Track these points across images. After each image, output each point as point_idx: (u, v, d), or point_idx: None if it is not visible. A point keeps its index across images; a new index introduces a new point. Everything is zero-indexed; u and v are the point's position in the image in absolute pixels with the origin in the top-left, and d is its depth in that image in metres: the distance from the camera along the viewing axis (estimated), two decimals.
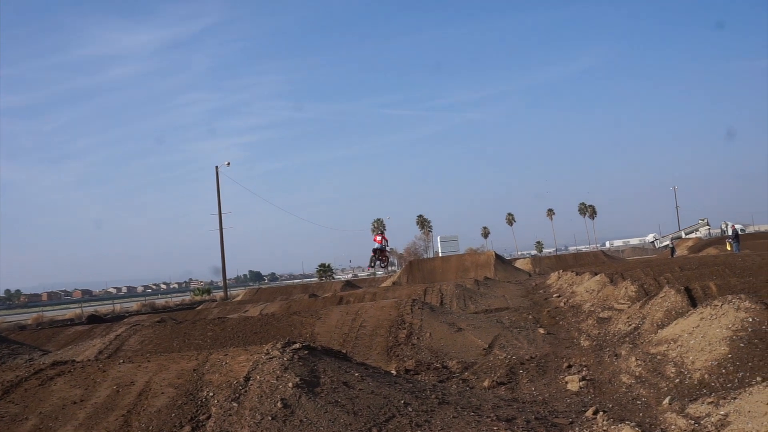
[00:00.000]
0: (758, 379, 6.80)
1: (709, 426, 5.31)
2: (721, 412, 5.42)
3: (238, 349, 7.60)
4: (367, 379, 6.62)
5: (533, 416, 6.65)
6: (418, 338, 13.46)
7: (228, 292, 60.63)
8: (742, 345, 8.01)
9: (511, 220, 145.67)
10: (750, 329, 8.27)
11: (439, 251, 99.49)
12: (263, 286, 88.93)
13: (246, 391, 5.83)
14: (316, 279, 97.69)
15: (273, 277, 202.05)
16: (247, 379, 6.05)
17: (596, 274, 22.94)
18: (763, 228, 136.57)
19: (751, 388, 5.67)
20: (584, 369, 9.86)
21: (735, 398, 5.60)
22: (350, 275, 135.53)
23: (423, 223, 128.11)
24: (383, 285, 49.91)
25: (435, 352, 12.63)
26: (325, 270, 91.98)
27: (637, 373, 8.60)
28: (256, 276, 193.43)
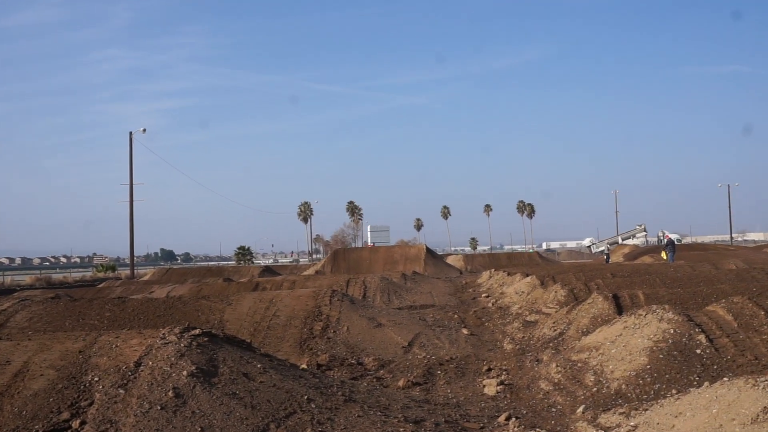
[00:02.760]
0: (673, 391, 7.12)
1: None
2: (631, 423, 5.65)
3: (131, 332, 7.45)
4: (270, 371, 6.60)
5: (443, 419, 6.77)
6: (334, 332, 13.49)
7: (135, 271, 59.22)
8: (661, 356, 8.37)
9: (446, 213, 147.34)
10: (671, 341, 8.65)
11: (369, 241, 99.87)
12: (175, 267, 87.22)
13: (135, 378, 5.72)
14: (233, 262, 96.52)
15: (187, 257, 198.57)
16: (137, 364, 5.94)
17: (528, 276, 23.51)
18: (700, 239, 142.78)
19: (662, 401, 5.94)
20: (504, 373, 10.11)
21: (646, 410, 5.85)
22: (271, 260, 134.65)
23: (353, 210, 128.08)
24: (305, 273, 49.78)
25: (351, 348, 12.69)
26: (244, 253, 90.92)
27: (555, 380, 8.88)
28: (168, 255, 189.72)
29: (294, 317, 14.14)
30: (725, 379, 5.48)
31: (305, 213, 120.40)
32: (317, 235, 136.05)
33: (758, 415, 4.51)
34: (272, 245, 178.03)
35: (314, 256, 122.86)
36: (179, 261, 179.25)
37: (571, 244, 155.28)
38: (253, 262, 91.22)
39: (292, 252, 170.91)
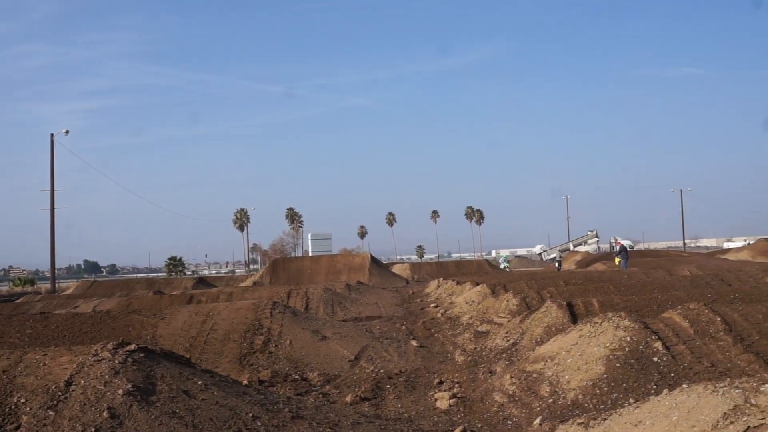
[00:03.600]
0: (631, 400, 7.32)
1: None
2: None
3: (61, 348, 7.30)
4: (212, 388, 6.55)
5: None
6: (276, 346, 13.45)
7: (56, 284, 57.70)
8: (618, 365, 8.60)
9: (391, 220, 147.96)
10: (627, 349, 8.90)
11: (310, 250, 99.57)
12: (100, 279, 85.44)
13: (66, 398, 5.61)
14: (164, 274, 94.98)
15: (113, 269, 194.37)
16: (68, 383, 5.82)
17: (478, 285, 23.79)
18: (653, 246, 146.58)
19: (621, 410, 6.11)
20: (456, 386, 10.22)
21: (605, 419, 6.01)
22: (205, 272, 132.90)
23: (293, 217, 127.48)
24: (242, 285, 49.28)
25: (294, 363, 12.67)
26: (175, 264, 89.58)
27: (510, 392, 9.03)
28: (93, 267, 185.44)
29: (233, 331, 14.04)
30: (684, 386, 5.67)
31: (241, 220, 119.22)
32: (254, 244, 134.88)
33: (718, 422, 4.69)
34: (206, 255, 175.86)
35: (251, 267, 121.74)
36: (104, 273, 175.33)
37: (521, 251, 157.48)
38: (185, 274, 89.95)
39: (228, 262, 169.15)
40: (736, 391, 4.91)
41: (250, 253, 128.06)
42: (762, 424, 4.46)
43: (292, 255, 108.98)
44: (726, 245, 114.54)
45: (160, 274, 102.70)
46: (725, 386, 5.07)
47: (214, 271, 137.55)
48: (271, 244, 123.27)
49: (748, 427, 4.49)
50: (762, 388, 4.83)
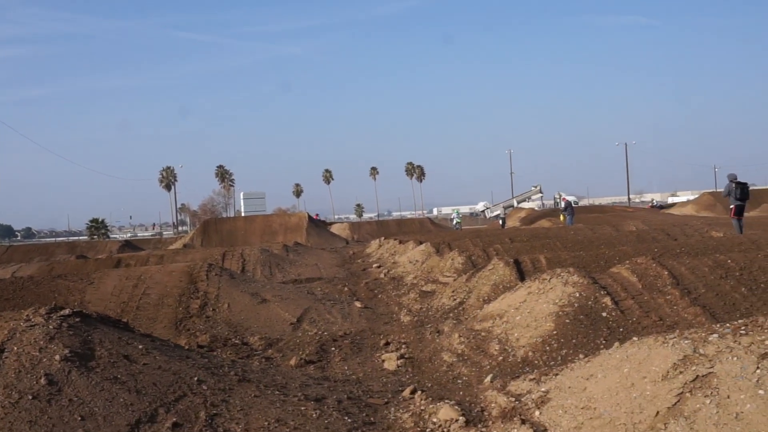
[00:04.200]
0: (581, 356, 7.64)
1: (529, 403, 5.94)
2: (542, 389, 6.08)
3: None
4: (154, 352, 6.61)
5: (345, 396, 7.01)
6: (213, 310, 13.49)
7: None
8: (567, 321, 8.94)
9: (328, 177, 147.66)
10: (576, 305, 9.25)
11: (242, 210, 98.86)
12: (15, 244, 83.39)
13: (0, 366, 5.61)
14: (86, 237, 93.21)
15: (28, 233, 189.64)
16: (0, 350, 5.81)
17: (421, 244, 24.15)
18: (597, 201, 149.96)
19: (572, 364, 6.41)
20: (403, 346, 10.47)
21: (557, 375, 6.29)
22: (130, 234, 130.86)
23: (223, 175, 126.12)
24: (172, 247, 48.91)
25: (234, 327, 12.74)
26: (97, 227, 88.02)
27: (459, 351, 9.30)
28: (6, 231, 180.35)
29: (167, 295, 14.01)
30: (635, 338, 5.97)
31: (168, 179, 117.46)
32: (183, 204, 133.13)
33: (668, 372, 4.98)
34: (130, 217, 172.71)
35: (180, 229, 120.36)
36: (19, 237, 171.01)
37: (464, 209, 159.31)
38: (108, 237, 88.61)
39: (154, 224, 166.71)
40: (685, 341, 5.21)
41: (178, 215, 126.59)
42: (710, 372, 4.76)
43: (224, 216, 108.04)
44: (671, 200, 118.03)
45: (81, 238, 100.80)
46: (675, 337, 5.37)
47: (139, 234, 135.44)
48: (201, 205, 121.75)
49: (697, 375, 4.78)
50: (710, 339, 5.13)
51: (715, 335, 5.19)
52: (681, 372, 4.92)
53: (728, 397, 4.51)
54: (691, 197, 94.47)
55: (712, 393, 4.61)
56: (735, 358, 4.78)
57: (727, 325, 5.44)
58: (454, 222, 54.21)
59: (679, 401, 4.72)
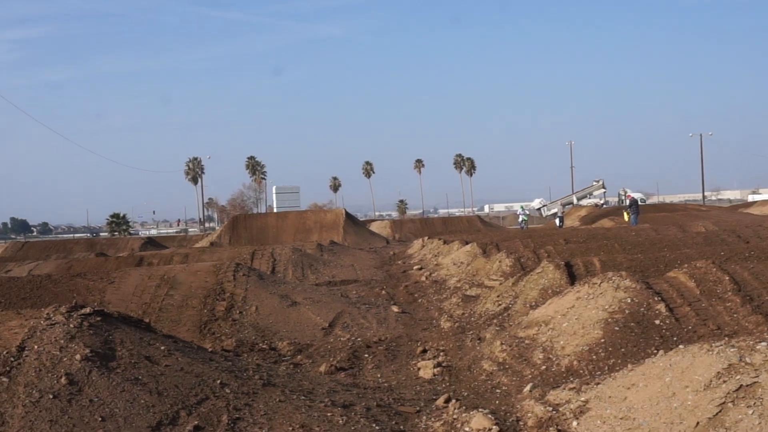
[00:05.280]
0: (629, 366, 7.87)
1: (567, 413, 6.21)
2: (582, 399, 6.34)
3: (8, 312, 7.70)
4: (176, 353, 7.00)
5: (375, 403, 7.33)
6: (240, 312, 13.89)
7: None
8: (617, 329, 9.15)
9: (369, 170, 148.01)
10: (627, 311, 9.45)
11: (274, 206, 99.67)
12: (32, 240, 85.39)
13: (20, 364, 6.03)
14: (106, 233, 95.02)
15: (45, 228, 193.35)
16: (21, 349, 6.23)
17: (467, 244, 24.36)
18: (668, 199, 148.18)
19: (615, 373, 6.66)
20: (441, 354, 10.77)
21: (598, 384, 6.55)
22: (153, 231, 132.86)
23: (255, 167, 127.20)
24: (197, 245, 49.69)
25: (261, 331, 13.13)
26: (118, 222, 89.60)
27: (500, 360, 9.57)
28: (21, 226, 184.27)
29: (191, 296, 14.46)
30: (681, 346, 6.20)
31: (194, 171, 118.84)
32: (210, 198, 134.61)
33: (711, 381, 5.21)
34: (154, 212, 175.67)
35: (207, 225, 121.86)
36: (35, 233, 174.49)
37: (517, 207, 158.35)
38: (130, 233, 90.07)
39: (179, 220, 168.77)
40: (732, 350, 5.43)
41: (205, 210, 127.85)
42: (755, 382, 4.98)
43: (254, 211, 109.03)
44: (751, 198, 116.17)
45: (101, 234, 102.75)
46: (721, 345, 5.60)
47: (163, 230, 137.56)
48: (230, 199, 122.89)
49: (741, 385, 5.01)
50: (758, 347, 5.35)
51: (764, 343, 5.41)
52: (724, 381, 5.15)
53: None
54: None
55: (755, 403, 4.83)
56: None
57: None
58: (520, 219, 53.52)
59: (720, 412, 4.96)
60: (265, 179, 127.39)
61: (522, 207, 58.81)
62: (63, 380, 5.86)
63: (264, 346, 12.07)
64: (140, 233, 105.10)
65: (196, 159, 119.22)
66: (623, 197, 77.44)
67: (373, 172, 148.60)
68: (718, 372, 5.26)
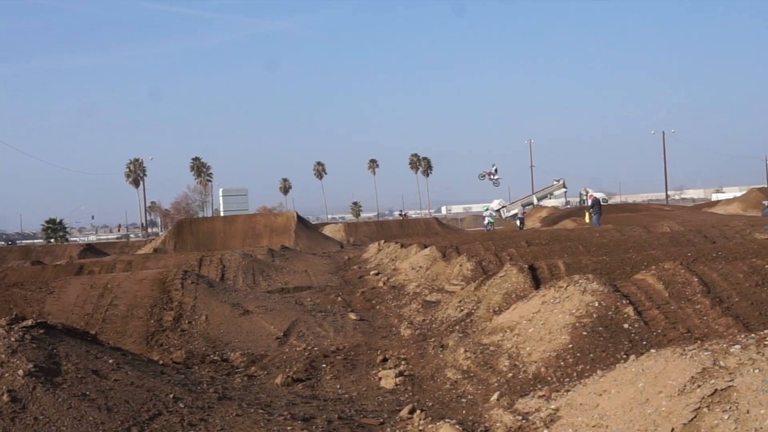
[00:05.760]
0: (599, 372, 7.96)
1: (537, 422, 6.27)
2: (552, 407, 6.40)
3: None
4: (125, 367, 6.93)
5: (336, 415, 7.33)
6: (189, 322, 13.79)
7: None
8: (585, 334, 9.26)
9: (320, 171, 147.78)
10: (595, 315, 9.57)
11: (221, 209, 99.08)
12: None
13: None
14: (41, 240, 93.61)
15: None
16: None
17: (426, 248, 24.48)
18: (631, 198, 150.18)
19: (586, 380, 6.74)
20: (403, 363, 10.80)
21: (568, 391, 6.62)
22: (92, 237, 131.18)
23: (200, 169, 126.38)
24: (140, 252, 49.19)
25: (212, 341, 13.05)
26: (54, 228, 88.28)
27: (465, 368, 9.63)
28: None
29: (137, 306, 14.32)
30: (653, 351, 6.30)
31: (136, 173, 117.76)
32: (153, 202, 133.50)
33: (685, 386, 5.30)
34: (93, 217, 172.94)
35: (150, 230, 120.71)
36: None
37: (476, 208, 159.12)
38: (68, 240, 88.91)
39: (120, 225, 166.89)
40: (705, 353, 5.53)
41: (147, 214, 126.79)
42: (730, 386, 5.08)
43: (200, 215, 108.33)
44: (715, 197, 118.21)
45: (36, 241, 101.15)
46: (694, 349, 5.70)
47: (103, 236, 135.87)
48: (174, 203, 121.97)
49: (716, 390, 5.11)
50: (732, 350, 5.46)
51: (738, 346, 5.51)
52: (699, 386, 5.24)
53: (748, 412, 4.83)
54: (739, 193, 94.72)
55: (731, 408, 4.93)
56: (757, 371, 5.10)
57: (752, 335, 5.77)
58: (486, 222, 52.90)
59: (695, 417, 5.04)
60: (211, 181, 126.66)
61: (487, 208, 58.74)
62: (5, 397, 5.77)
63: (215, 358, 12.01)
64: (78, 240, 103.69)
65: (137, 160, 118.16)
66: (585, 197, 78.31)
67: (325, 173, 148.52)
68: (693, 376, 5.35)
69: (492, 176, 60.13)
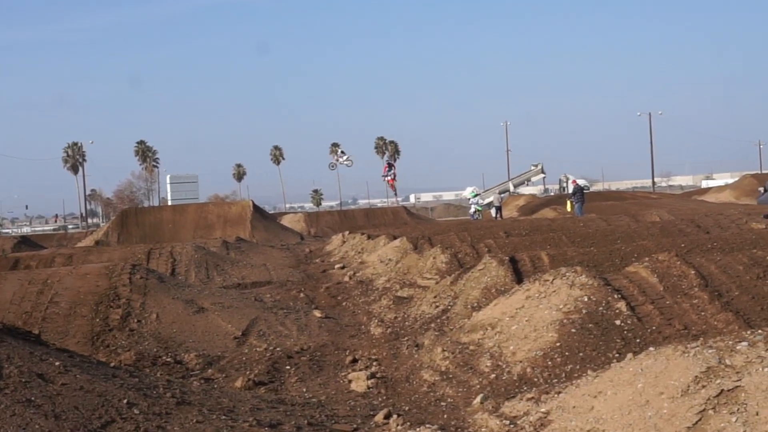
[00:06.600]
0: (589, 372, 7.99)
1: (527, 426, 6.28)
2: (542, 410, 6.42)
3: None
4: (74, 370, 6.84)
5: (306, 421, 7.30)
6: (139, 321, 13.68)
7: None
8: (573, 331, 9.30)
9: (278, 156, 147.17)
10: (584, 311, 9.61)
11: (169, 198, 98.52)
12: None
13: None
14: None
15: None
16: None
17: (395, 239, 24.47)
18: (615, 186, 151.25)
19: (578, 381, 6.75)
20: (374, 364, 10.79)
21: (559, 393, 6.64)
22: (26, 228, 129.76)
23: (145, 153, 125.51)
24: (81, 244, 48.80)
25: (164, 342, 12.96)
26: None
27: (443, 368, 9.64)
28: None
29: (80, 303, 14.17)
30: (651, 349, 6.32)
31: (74, 159, 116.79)
32: (93, 190, 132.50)
33: (689, 386, 5.33)
34: (26, 207, 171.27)
35: (90, 221, 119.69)
36: None
37: (448, 196, 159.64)
38: (0, 232, 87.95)
39: (57, 216, 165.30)
40: (710, 351, 5.56)
41: (87, 203, 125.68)
42: (738, 386, 5.11)
43: (146, 204, 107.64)
44: (705, 184, 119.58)
45: None
46: (697, 346, 5.73)
47: (39, 228, 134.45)
48: (117, 191, 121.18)
49: (722, 390, 5.13)
50: (738, 347, 5.49)
51: (744, 343, 5.55)
52: (704, 386, 5.27)
53: (757, 413, 4.86)
54: (730, 180, 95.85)
55: (739, 409, 4.96)
56: (766, 369, 5.13)
57: (759, 331, 5.81)
58: (472, 210, 51.63)
59: (700, 420, 5.07)
60: (157, 167, 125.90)
61: (475, 194, 58.03)
62: None
63: (168, 360, 11.92)
64: (11, 232, 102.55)
65: (76, 144, 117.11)
66: (565, 184, 78.86)
67: (283, 159, 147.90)
68: (696, 376, 5.38)
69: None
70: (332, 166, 61.53)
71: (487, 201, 60.49)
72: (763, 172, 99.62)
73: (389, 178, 55.12)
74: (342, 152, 60.90)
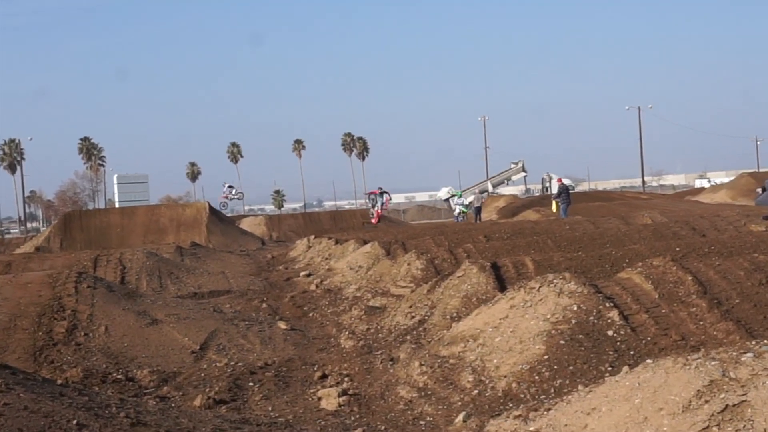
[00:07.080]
0: (580, 387, 8.02)
1: None
2: (531, 428, 6.43)
3: None
4: (17, 388, 6.77)
5: None
6: (86, 335, 13.59)
7: None
8: (562, 342, 9.33)
9: (235, 154, 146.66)
10: (574, 321, 9.64)
11: (116, 199, 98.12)
12: None
13: None
14: None
15: None
16: None
17: (366, 244, 24.48)
18: (602, 185, 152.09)
19: (569, 396, 6.77)
20: (346, 380, 10.78)
21: (549, 410, 6.65)
22: None
23: (90, 151, 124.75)
24: (20, 251, 48.36)
25: (114, 357, 12.88)
26: None
27: (421, 384, 9.63)
28: None
29: (21, 315, 14.05)
30: (649, 361, 6.35)
31: (12, 157, 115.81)
32: (33, 191, 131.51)
33: (691, 401, 5.36)
34: None
35: (30, 225, 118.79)
36: None
37: (421, 197, 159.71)
38: None
39: None
40: (712, 363, 5.60)
41: (26, 206, 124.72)
42: (743, 401, 5.14)
43: (91, 207, 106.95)
44: (698, 183, 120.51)
45: None
46: (699, 358, 5.76)
47: None
48: (59, 192, 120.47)
49: (726, 405, 5.16)
50: (743, 359, 5.53)
51: (750, 355, 5.59)
52: (707, 401, 5.30)
53: (765, 430, 4.90)
54: (726, 179, 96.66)
55: (745, 426, 4.99)
56: None
57: (765, 342, 5.85)
58: (456, 212, 50.57)
59: None
60: (103, 166, 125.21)
61: (460, 194, 57.36)
62: None
63: (119, 377, 11.85)
64: None
65: (13, 141, 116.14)
66: (548, 183, 79.16)
67: (242, 156, 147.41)
68: (699, 390, 5.41)
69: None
70: (223, 205, 61.60)
71: (468, 200, 60.65)
72: (761, 170, 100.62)
73: (378, 209, 52.45)
74: (230, 186, 60.48)
